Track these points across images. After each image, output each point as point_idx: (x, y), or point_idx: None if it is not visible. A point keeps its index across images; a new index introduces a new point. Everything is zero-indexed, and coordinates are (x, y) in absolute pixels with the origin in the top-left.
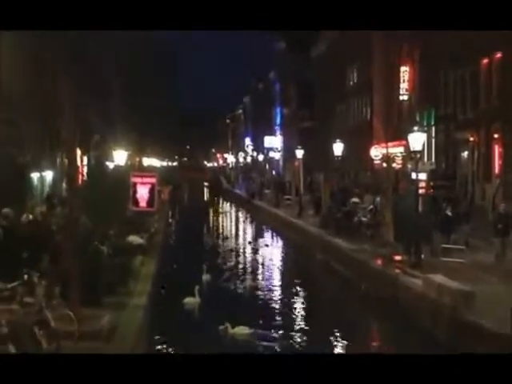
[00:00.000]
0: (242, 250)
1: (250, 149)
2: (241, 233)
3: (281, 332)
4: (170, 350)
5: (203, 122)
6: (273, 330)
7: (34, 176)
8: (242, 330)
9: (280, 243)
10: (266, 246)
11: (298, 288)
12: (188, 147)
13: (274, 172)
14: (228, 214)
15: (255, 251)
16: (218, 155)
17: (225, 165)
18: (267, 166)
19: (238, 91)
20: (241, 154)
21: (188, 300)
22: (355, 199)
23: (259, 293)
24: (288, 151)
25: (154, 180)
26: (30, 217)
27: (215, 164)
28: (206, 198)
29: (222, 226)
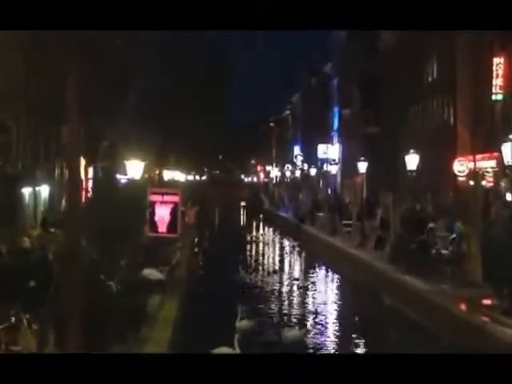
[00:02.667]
0: (287, 290)
1: (299, 160)
2: (286, 267)
3: None
4: None
5: (241, 125)
6: None
7: (26, 191)
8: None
9: (336, 282)
10: (314, 283)
11: (360, 341)
12: (221, 157)
13: (329, 190)
14: (270, 243)
15: (304, 291)
16: (259, 167)
17: (267, 180)
18: (321, 183)
19: (284, 88)
20: (288, 167)
21: (222, 350)
22: (432, 224)
23: (309, 345)
24: (348, 164)
25: (177, 198)
26: (24, 242)
27: (255, 179)
28: (242, 222)
29: (263, 257)
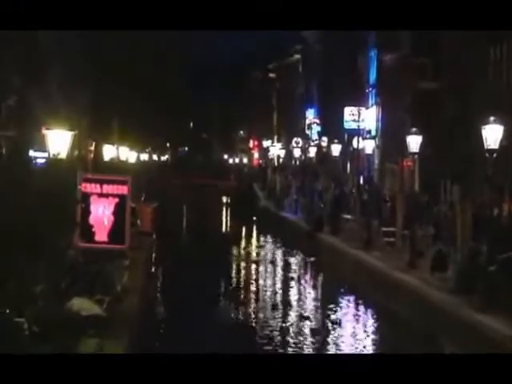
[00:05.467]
0: (293, 336)
1: (314, 131)
2: (293, 299)
3: None
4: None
5: (222, 75)
6: None
7: None
8: None
9: (372, 322)
10: (336, 323)
11: None
12: (192, 125)
13: (361, 179)
14: (268, 261)
15: (321, 338)
16: (252, 143)
17: (264, 161)
18: (349, 167)
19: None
20: (296, 142)
21: None
22: None
23: None
24: (391, 138)
25: (124, 190)
26: None
27: (245, 160)
28: (225, 228)
29: (257, 283)
